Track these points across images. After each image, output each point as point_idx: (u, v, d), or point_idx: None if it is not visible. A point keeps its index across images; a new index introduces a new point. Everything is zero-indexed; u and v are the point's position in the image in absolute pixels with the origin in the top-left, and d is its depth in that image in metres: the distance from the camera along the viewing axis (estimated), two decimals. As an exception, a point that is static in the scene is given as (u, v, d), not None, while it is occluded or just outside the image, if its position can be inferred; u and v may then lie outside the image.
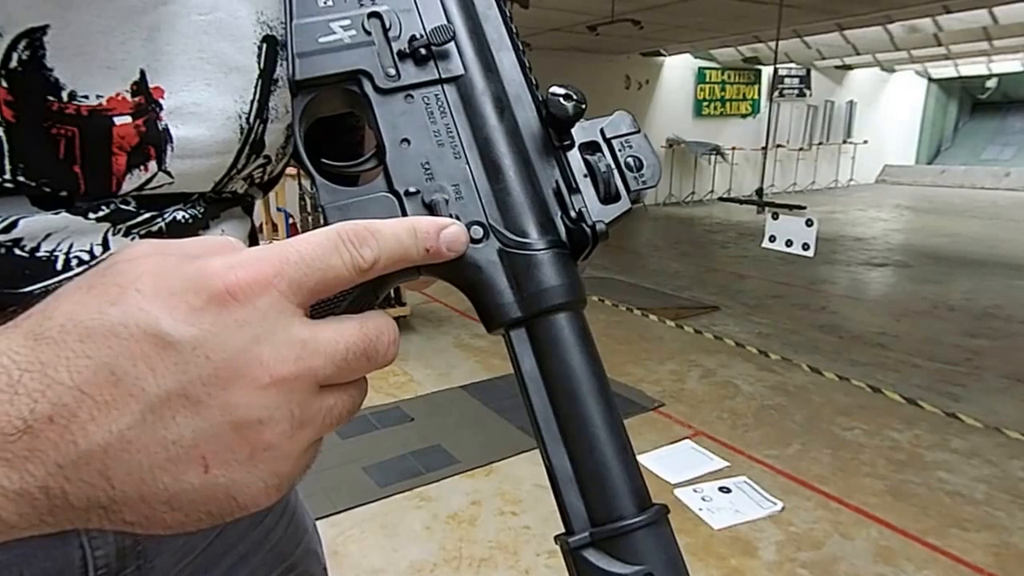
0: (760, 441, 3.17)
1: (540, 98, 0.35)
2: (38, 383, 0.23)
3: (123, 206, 0.42)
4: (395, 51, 0.34)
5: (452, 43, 0.35)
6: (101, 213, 0.41)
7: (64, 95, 0.37)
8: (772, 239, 4.51)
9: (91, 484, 0.24)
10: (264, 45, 0.45)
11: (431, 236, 0.30)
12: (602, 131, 0.36)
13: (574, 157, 0.35)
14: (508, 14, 0.37)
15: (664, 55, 11.77)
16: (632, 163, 0.35)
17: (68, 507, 0.24)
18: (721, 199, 11.24)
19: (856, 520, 2.56)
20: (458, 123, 0.34)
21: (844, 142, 15.30)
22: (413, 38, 0.34)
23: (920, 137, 17.36)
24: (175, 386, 0.24)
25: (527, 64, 0.36)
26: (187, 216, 0.45)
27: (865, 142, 15.47)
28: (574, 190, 0.34)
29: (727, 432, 3.26)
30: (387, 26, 0.35)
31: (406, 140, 0.34)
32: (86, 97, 0.37)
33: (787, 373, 4.04)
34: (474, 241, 0.32)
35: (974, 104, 17.79)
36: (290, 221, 4.90)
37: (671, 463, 2.94)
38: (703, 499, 2.67)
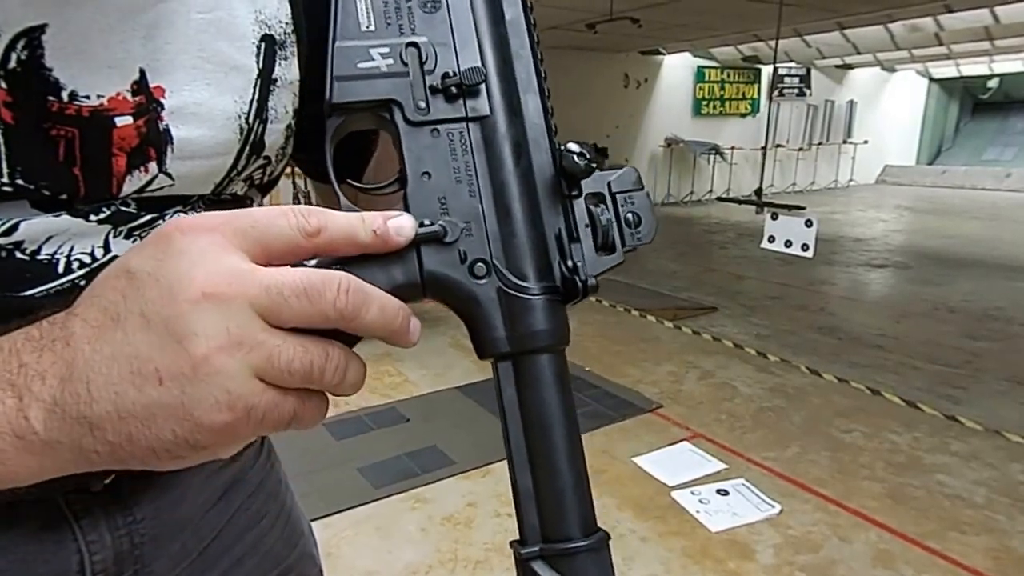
0: (758, 443, 3.16)
1: (557, 145, 0.37)
2: (61, 321, 0.30)
3: (124, 208, 0.42)
4: (428, 85, 0.36)
5: (483, 84, 0.36)
6: (102, 215, 0.41)
7: (64, 95, 0.36)
8: (771, 239, 4.49)
9: (81, 396, 0.28)
10: (262, 45, 0.45)
11: (377, 221, 0.32)
12: (609, 184, 0.38)
13: (579, 206, 0.37)
14: (539, 55, 0.38)
15: (663, 53, 11.77)
16: (632, 219, 0.37)
17: (68, 420, 0.28)
18: (720, 199, 11.23)
19: (855, 523, 2.55)
20: (477, 162, 0.36)
21: (844, 142, 15.29)
22: (446, 75, 0.36)
23: (921, 137, 17.35)
24: (136, 308, 0.28)
25: (550, 108, 0.38)
26: None
27: (865, 142, 15.46)
28: (575, 239, 0.37)
29: (725, 434, 3.24)
30: (423, 59, 0.36)
31: (427, 173, 0.36)
32: (87, 97, 0.37)
33: (786, 375, 4.03)
34: (477, 277, 0.35)
35: (975, 104, 17.78)
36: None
37: (669, 465, 2.93)
38: (701, 501, 2.66)
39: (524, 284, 0.35)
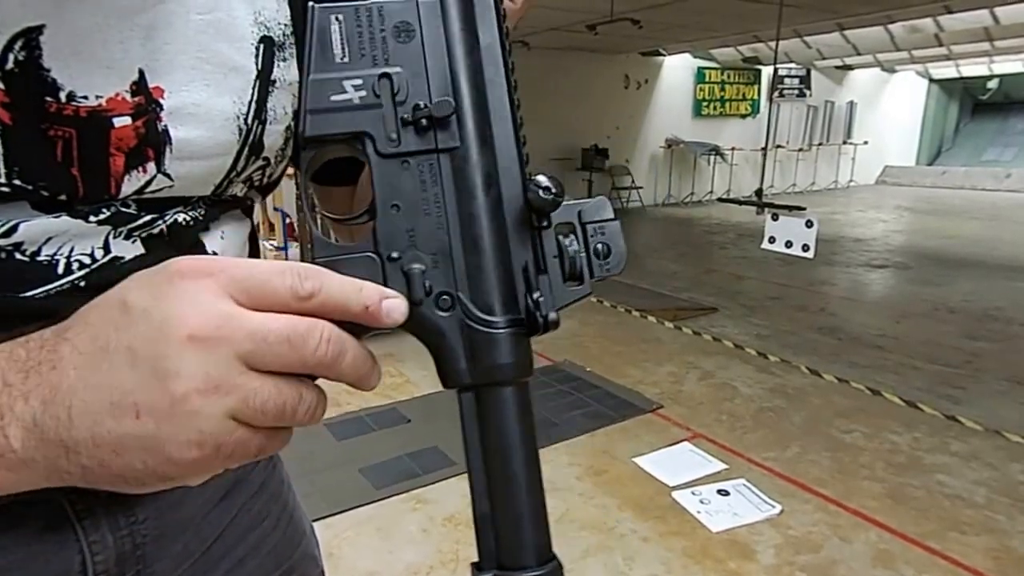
0: (759, 443, 3.16)
1: (527, 176, 0.37)
2: (51, 344, 0.31)
3: (124, 209, 0.42)
4: (399, 117, 0.36)
5: (453, 116, 0.36)
6: (102, 216, 0.41)
7: (63, 96, 0.36)
8: (771, 240, 4.49)
9: (61, 420, 0.29)
10: (261, 46, 0.45)
11: (373, 298, 0.33)
12: (580, 214, 0.38)
13: (548, 236, 0.37)
14: (513, 81, 0.38)
15: (663, 54, 11.77)
16: (601, 249, 0.37)
17: (45, 441, 0.29)
18: (720, 200, 11.24)
19: (855, 523, 2.55)
20: (447, 194, 0.36)
21: (844, 143, 15.29)
22: (417, 107, 0.36)
23: (921, 138, 17.35)
24: (125, 341, 0.29)
25: (521, 137, 0.38)
26: (188, 219, 0.45)
27: (865, 143, 15.46)
28: (542, 270, 0.37)
29: (725, 434, 3.24)
30: (395, 90, 0.36)
31: (397, 205, 0.36)
32: (85, 98, 0.37)
33: (786, 375, 4.03)
34: (442, 310, 0.36)
35: (975, 105, 17.78)
36: (287, 221, 4.88)
37: (669, 465, 2.93)
38: (701, 502, 2.66)
39: (488, 318, 0.35)
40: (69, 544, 0.44)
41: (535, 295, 0.36)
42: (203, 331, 0.29)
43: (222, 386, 0.29)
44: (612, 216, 0.38)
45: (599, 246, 0.37)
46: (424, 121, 0.36)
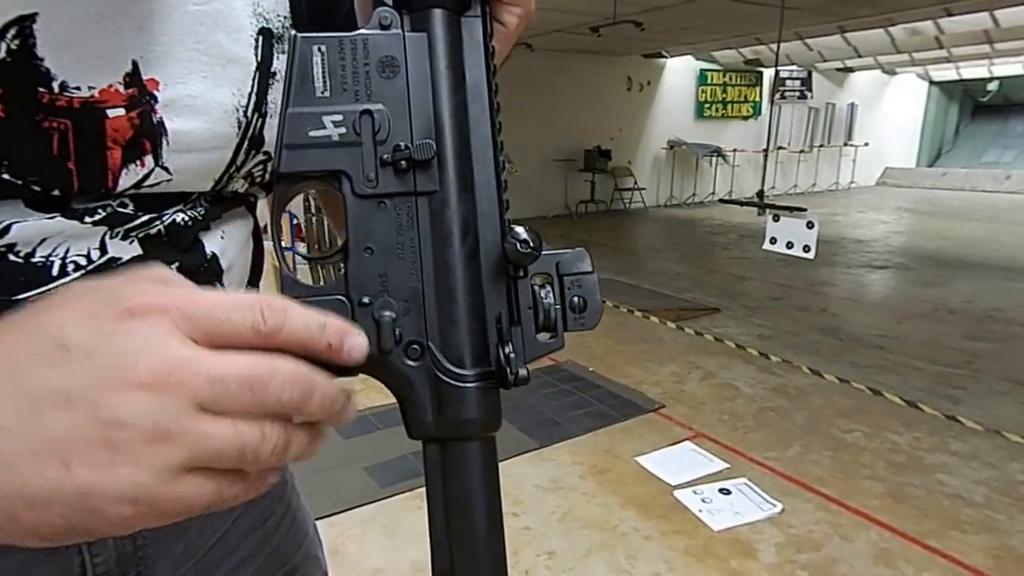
0: (760, 443, 3.18)
1: (507, 222, 0.36)
2: None
3: (120, 209, 0.41)
4: (379, 157, 0.34)
5: (434, 159, 0.35)
6: (97, 216, 0.40)
7: (55, 86, 0.35)
8: (773, 241, 4.51)
9: None
10: (260, 38, 0.45)
11: (336, 335, 0.30)
12: (558, 265, 0.36)
13: (524, 286, 0.36)
14: (498, 123, 0.37)
15: (666, 57, 11.78)
16: (577, 303, 0.36)
17: None
18: (722, 201, 11.24)
19: (856, 522, 2.57)
20: (422, 239, 0.35)
21: (845, 144, 15.30)
22: (398, 147, 0.34)
23: (921, 140, 17.35)
24: (57, 384, 0.25)
25: (503, 182, 0.36)
26: (187, 218, 0.44)
27: (866, 144, 15.46)
28: (516, 322, 0.36)
29: (727, 434, 3.26)
30: (376, 128, 0.34)
31: (370, 248, 0.34)
32: (78, 88, 0.36)
33: (787, 375, 4.05)
34: (411, 359, 0.34)
35: (975, 107, 17.77)
36: (294, 222, 4.89)
37: (671, 465, 2.95)
38: (703, 500, 2.68)
39: (458, 371, 0.34)
40: (69, 546, 0.43)
41: (507, 349, 0.34)
42: (155, 377, 0.26)
43: (169, 434, 0.26)
44: (590, 269, 0.37)
45: (575, 299, 0.36)
46: (404, 163, 0.34)
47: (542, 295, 0.36)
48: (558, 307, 0.36)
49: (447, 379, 0.34)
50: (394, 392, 0.35)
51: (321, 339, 0.30)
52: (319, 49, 0.34)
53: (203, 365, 0.27)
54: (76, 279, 0.39)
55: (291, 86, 0.34)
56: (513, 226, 0.34)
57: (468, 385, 0.34)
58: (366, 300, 0.34)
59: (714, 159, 12.70)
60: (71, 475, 0.25)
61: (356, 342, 0.31)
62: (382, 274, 0.34)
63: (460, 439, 0.35)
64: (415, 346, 0.34)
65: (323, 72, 0.34)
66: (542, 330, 0.36)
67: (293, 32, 0.34)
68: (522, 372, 0.33)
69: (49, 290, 0.38)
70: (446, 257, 0.35)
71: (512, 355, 0.34)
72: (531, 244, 0.33)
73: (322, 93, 0.34)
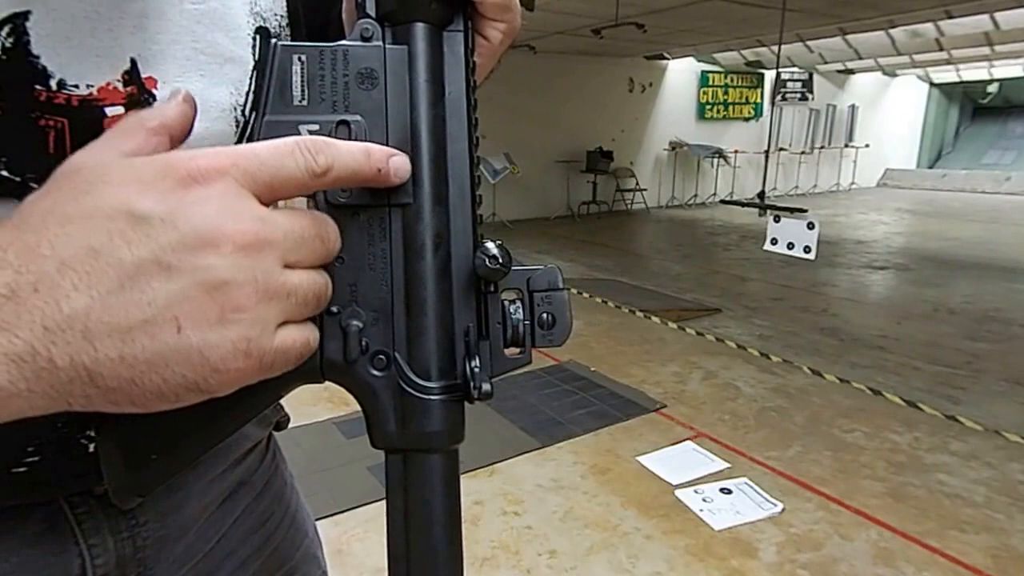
0: (761, 443, 3.19)
1: (479, 237, 0.36)
2: (23, 258, 0.26)
3: None
4: None
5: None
6: None
7: (53, 83, 0.36)
8: (774, 242, 4.53)
9: (74, 345, 0.26)
10: (257, 36, 0.45)
11: (382, 160, 0.32)
12: (529, 282, 0.37)
13: (494, 301, 0.36)
14: (475, 137, 0.37)
15: (667, 58, 11.79)
16: (546, 319, 0.36)
17: (54, 370, 0.26)
18: (723, 202, 11.25)
19: (856, 522, 2.58)
20: (394, 250, 0.35)
21: (846, 146, 15.31)
22: None
23: (921, 141, 17.36)
24: (148, 255, 0.26)
25: (477, 197, 0.37)
26: None
27: (867, 146, 15.48)
28: (484, 336, 0.36)
29: (728, 434, 3.27)
30: (352, 139, 0.34)
31: (341, 258, 0.34)
32: (76, 86, 0.36)
33: (788, 375, 4.06)
34: (376, 369, 0.35)
35: (975, 109, 17.78)
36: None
37: (672, 464, 2.96)
38: (704, 500, 2.69)
39: (423, 383, 0.34)
40: (68, 547, 0.44)
41: (474, 363, 0.34)
42: (246, 239, 0.28)
43: (272, 292, 0.28)
44: (561, 286, 0.37)
45: (545, 315, 0.36)
46: None
47: (511, 311, 0.36)
48: (527, 323, 0.36)
49: (412, 391, 0.34)
50: (359, 401, 0.35)
51: (370, 166, 0.31)
52: (299, 58, 0.34)
53: (280, 222, 0.29)
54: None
55: (269, 93, 0.34)
56: (485, 241, 0.34)
57: (433, 398, 0.34)
58: (334, 309, 0.34)
59: (715, 160, 12.70)
60: (185, 335, 0.27)
61: (399, 163, 0.33)
62: (352, 284, 0.34)
63: (423, 451, 0.35)
64: (381, 356, 0.35)
65: (302, 81, 0.34)
66: (510, 345, 0.36)
67: (274, 41, 0.34)
68: (486, 387, 0.33)
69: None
70: (417, 269, 0.35)
71: (478, 369, 0.34)
72: (500, 260, 0.34)
73: (300, 102, 0.34)
